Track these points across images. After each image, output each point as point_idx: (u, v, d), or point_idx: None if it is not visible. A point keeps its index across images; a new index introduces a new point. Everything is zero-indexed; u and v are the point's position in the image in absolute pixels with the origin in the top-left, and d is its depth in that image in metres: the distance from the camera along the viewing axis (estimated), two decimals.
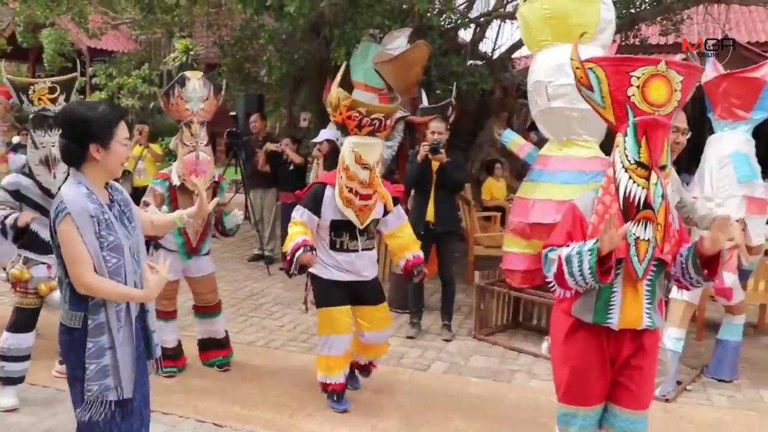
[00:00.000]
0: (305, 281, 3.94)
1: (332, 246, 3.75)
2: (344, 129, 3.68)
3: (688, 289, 3.15)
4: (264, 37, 8.09)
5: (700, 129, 5.20)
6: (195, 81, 4.13)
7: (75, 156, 2.24)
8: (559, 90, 4.58)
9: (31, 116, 3.83)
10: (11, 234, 3.65)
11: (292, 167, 7.49)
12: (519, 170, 7.89)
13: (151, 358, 2.45)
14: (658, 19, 9.34)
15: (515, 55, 9.48)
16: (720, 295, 4.41)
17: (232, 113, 10.89)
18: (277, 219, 7.70)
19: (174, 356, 4.25)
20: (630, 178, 2.36)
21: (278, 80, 8.30)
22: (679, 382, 4.31)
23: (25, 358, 3.80)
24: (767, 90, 4.15)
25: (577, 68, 2.48)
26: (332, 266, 3.76)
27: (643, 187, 2.34)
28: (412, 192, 5.29)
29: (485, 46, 10.01)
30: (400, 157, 5.34)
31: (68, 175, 2.34)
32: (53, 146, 3.65)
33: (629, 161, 2.38)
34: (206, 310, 4.39)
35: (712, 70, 4.41)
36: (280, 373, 4.36)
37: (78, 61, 5.04)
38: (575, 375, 2.51)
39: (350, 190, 3.60)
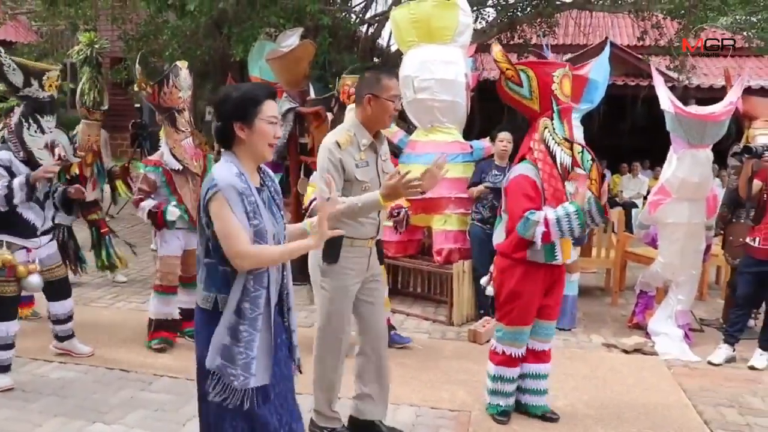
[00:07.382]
0: None
1: None
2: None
3: None
4: (167, 33, 8.45)
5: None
6: (185, 70, 4.19)
7: (223, 136, 2.17)
8: (423, 84, 5.29)
9: (37, 101, 3.78)
10: (23, 192, 3.61)
11: None
12: None
13: (293, 359, 2.33)
14: (538, 21, 10.33)
15: None
16: None
17: (137, 105, 11.09)
18: None
19: (175, 327, 4.54)
20: (562, 150, 3.15)
21: None
22: None
23: (10, 346, 3.75)
24: (591, 86, 5.00)
25: (507, 69, 3.20)
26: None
27: (569, 156, 3.15)
28: None
29: (384, 42, 10.70)
30: (290, 144, 5.94)
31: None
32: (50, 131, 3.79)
33: (560, 138, 3.16)
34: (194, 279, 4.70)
35: None
36: None
37: None
38: (526, 304, 3.28)
39: None
